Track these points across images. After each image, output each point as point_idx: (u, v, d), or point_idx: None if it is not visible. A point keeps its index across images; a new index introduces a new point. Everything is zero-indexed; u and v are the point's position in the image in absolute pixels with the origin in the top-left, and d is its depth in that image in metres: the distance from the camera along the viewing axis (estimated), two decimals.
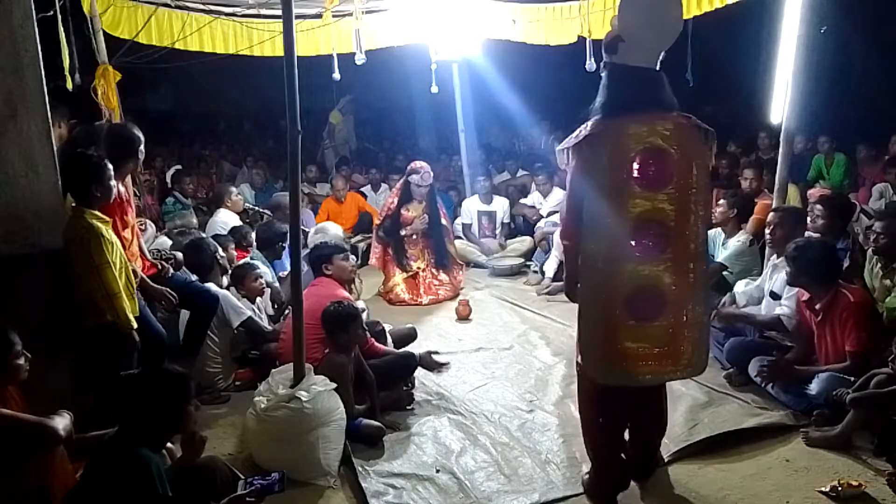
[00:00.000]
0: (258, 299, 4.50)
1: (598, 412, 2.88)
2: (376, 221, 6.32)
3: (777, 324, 3.89)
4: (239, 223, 5.73)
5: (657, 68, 2.69)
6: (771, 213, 4.21)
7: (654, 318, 2.68)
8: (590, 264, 2.72)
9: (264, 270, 4.83)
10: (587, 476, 3.00)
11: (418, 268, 6.01)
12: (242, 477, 2.59)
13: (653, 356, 2.71)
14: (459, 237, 7.14)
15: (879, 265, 3.95)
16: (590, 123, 2.68)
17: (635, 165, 2.62)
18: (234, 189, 6.21)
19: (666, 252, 2.66)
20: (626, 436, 2.99)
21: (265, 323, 4.42)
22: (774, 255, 4.11)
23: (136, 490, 2.20)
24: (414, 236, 6.09)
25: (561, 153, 2.82)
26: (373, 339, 3.95)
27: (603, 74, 2.76)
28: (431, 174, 6.11)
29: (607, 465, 2.90)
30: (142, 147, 3.61)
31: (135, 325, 3.18)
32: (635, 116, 2.63)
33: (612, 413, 2.86)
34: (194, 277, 4.12)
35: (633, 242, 2.64)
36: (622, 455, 2.94)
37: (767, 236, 4.16)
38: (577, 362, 2.93)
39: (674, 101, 2.69)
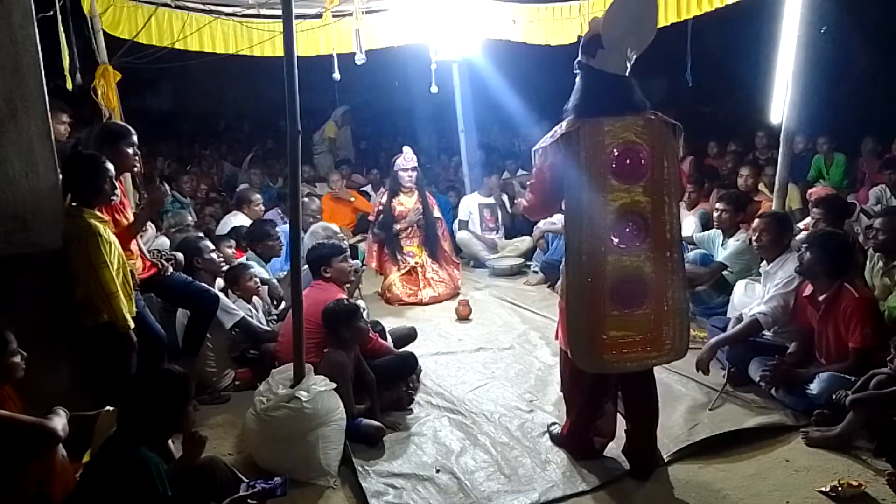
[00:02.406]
0: (255, 298, 4.49)
1: (580, 391, 3.10)
2: (370, 219, 6.32)
3: (755, 326, 3.86)
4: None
5: (627, 73, 2.81)
6: (756, 220, 4.19)
7: (638, 307, 2.83)
8: (574, 257, 2.84)
9: (259, 270, 4.82)
10: (556, 427, 3.34)
11: (416, 263, 6.00)
12: (245, 480, 2.59)
13: (636, 343, 2.85)
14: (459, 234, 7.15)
15: (881, 262, 3.96)
16: (565, 123, 2.81)
17: (612, 160, 2.75)
18: (258, 197, 6.15)
19: (645, 242, 2.81)
20: (623, 427, 3.16)
21: (263, 322, 4.41)
22: (765, 262, 4.10)
23: (136, 489, 2.20)
24: (409, 230, 6.08)
25: (537, 153, 2.94)
26: (376, 335, 3.94)
27: (578, 74, 2.87)
28: (414, 156, 6.10)
29: (580, 423, 3.17)
30: (130, 143, 3.54)
31: (132, 325, 3.18)
32: (609, 116, 2.76)
33: (593, 393, 3.09)
34: None
35: (613, 234, 2.78)
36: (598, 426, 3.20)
37: (754, 243, 4.14)
38: (561, 348, 3.13)
39: (644, 101, 2.84)
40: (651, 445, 3.09)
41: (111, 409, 2.76)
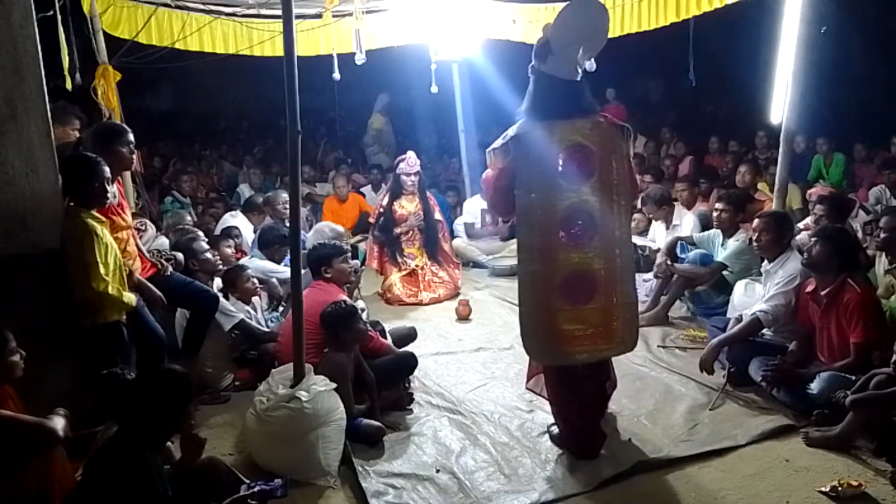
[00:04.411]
0: (254, 299, 4.48)
1: (565, 384, 3.15)
2: (371, 220, 6.31)
3: (756, 325, 3.86)
4: (251, 230, 5.74)
5: (578, 78, 2.92)
6: (756, 220, 4.20)
7: (587, 301, 2.94)
8: (526, 255, 2.99)
9: (268, 266, 4.83)
10: (556, 428, 3.30)
11: (416, 265, 5.99)
12: (246, 481, 2.59)
13: (587, 336, 2.97)
14: (458, 236, 7.15)
15: (886, 259, 3.98)
16: (517, 125, 2.93)
17: (561, 161, 2.86)
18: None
19: (594, 239, 2.93)
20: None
21: (262, 323, 4.40)
22: (766, 262, 4.10)
23: (136, 490, 2.20)
24: (410, 233, 6.07)
25: (490, 154, 3.06)
26: (376, 333, 3.94)
27: (530, 79, 2.99)
28: (418, 161, 6.09)
29: (576, 425, 3.18)
30: (126, 142, 3.53)
31: (134, 304, 3.23)
32: (559, 119, 2.89)
33: (573, 385, 3.14)
34: None
35: (563, 232, 2.89)
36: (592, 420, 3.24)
37: (754, 242, 4.14)
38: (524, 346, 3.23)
39: (594, 104, 2.99)
40: (597, 422, 3.22)
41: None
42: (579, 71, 2.92)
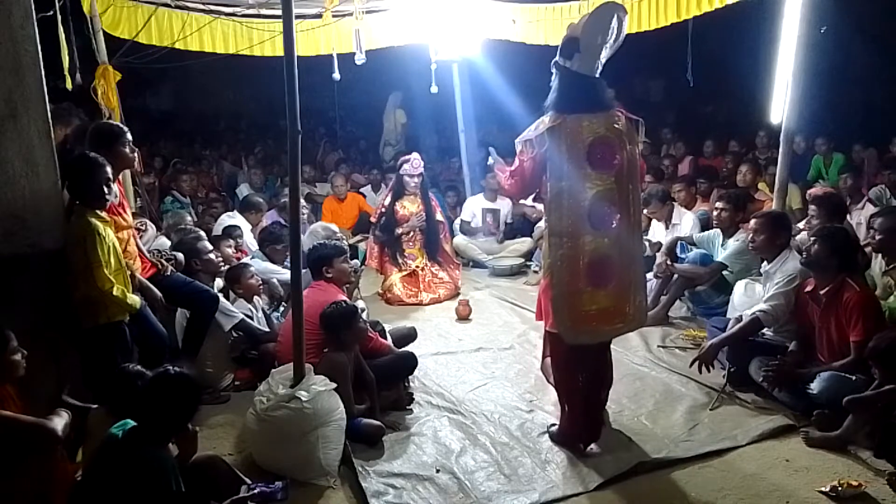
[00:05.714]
0: (256, 298, 4.49)
1: (572, 368, 3.25)
2: (372, 220, 6.31)
3: (756, 325, 3.86)
4: (248, 230, 5.74)
5: (597, 75, 3.10)
6: (752, 220, 4.20)
7: (607, 283, 3.12)
8: (556, 239, 3.10)
9: (270, 267, 4.82)
10: (556, 428, 3.38)
11: (417, 266, 6.00)
12: (248, 482, 2.59)
13: (605, 314, 3.14)
14: (459, 234, 7.15)
15: (883, 260, 3.98)
16: (547, 118, 3.07)
17: (589, 152, 3.03)
18: (261, 200, 6.26)
19: (613, 225, 3.10)
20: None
21: (263, 323, 4.40)
22: (765, 262, 4.10)
23: (152, 486, 2.21)
24: (411, 233, 6.07)
25: (520, 143, 3.21)
26: (376, 333, 3.94)
27: (554, 74, 3.13)
28: (422, 162, 6.10)
29: (582, 412, 3.26)
30: (125, 142, 3.53)
31: (138, 307, 3.24)
32: (585, 113, 3.05)
33: (583, 367, 3.26)
34: None
35: (590, 218, 3.05)
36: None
37: (750, 243, 4.16)
38: (546, 329, 3.34)
39: (612, 99, 3.15)
40: (601, 404, 3.36)
41: (99, 407, 2.78)
42: (599, 68, 3.08)
